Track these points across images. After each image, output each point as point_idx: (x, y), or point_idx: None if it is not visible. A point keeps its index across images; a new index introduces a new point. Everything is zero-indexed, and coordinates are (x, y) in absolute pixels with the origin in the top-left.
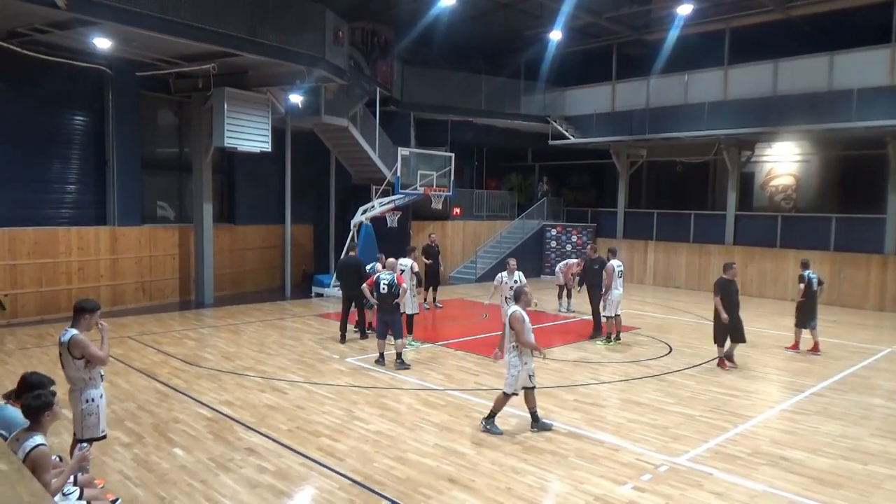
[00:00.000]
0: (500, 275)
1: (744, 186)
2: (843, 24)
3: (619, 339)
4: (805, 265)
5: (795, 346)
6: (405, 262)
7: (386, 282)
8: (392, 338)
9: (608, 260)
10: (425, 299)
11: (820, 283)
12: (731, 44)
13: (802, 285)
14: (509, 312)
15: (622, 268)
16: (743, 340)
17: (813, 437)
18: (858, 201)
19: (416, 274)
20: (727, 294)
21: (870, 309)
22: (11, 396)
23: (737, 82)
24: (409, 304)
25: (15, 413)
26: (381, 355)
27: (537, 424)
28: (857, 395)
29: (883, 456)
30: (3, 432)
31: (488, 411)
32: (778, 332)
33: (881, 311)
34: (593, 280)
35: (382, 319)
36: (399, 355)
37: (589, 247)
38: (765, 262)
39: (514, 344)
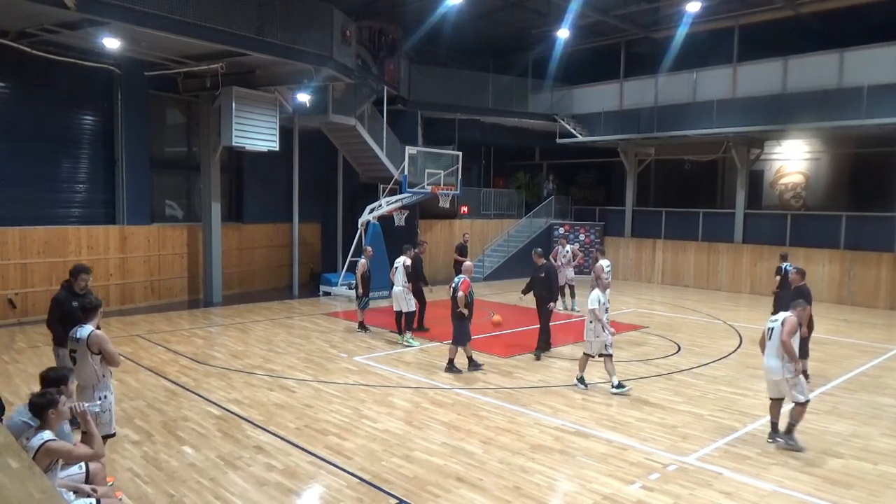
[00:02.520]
0: (594, 294)
1: (753, 184)
2: (854, 21)
3: None
4: (784, 258)
5: None
6: (400, 260)
7: (453, 285)
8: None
9: (596, 260)
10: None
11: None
12: (739, 41)
13: (779, 277)
14: (781, 318)
15: (610, 268)
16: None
17: (823, 436)
18: (869, 199)
19: (409, 270)
20: None
21: (880, 307)
22: None
23: (746, 80)
24: (404, 301)
25: None
26: (469, 358)
27: (785, 437)
28: (868, 394)
29: (894, 456)
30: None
31: (786, 427)
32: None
33: (892, 309)
34: (540, 290)
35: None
36: (451, 360)
37: (534, 252)
38: (774, 260)
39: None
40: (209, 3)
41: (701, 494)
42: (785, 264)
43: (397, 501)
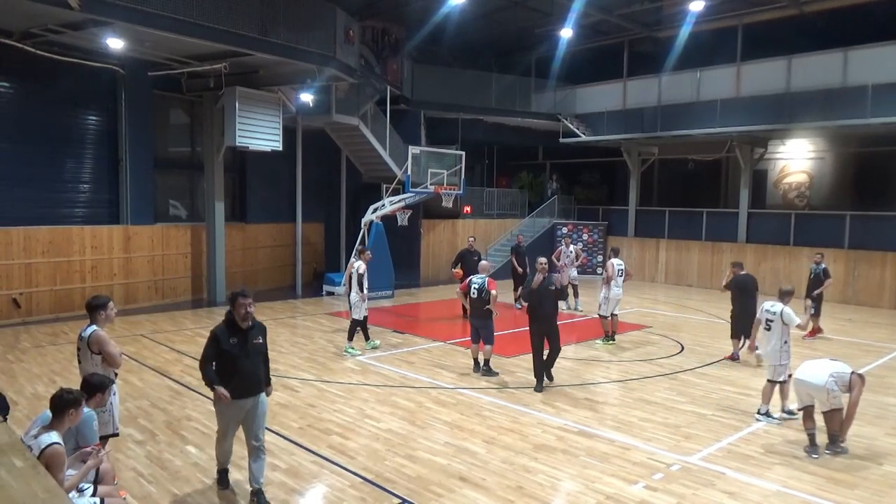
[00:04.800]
0: (788, 310)
1: (756, 184)
2: (858, 20)
3: (614, 340)
4: (818, 259)
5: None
6: (355, 265)
7: (476, 286)
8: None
9: (609, 258)
10: (515, 300)
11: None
12: (743, 40)
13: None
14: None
15: (622, 266)
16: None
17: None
18: (873, 198)
19: (361, 276)
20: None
21: (885, 307)
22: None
23: (749, 79)
24: (355, 308)
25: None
26: (476, 361)
27: (831, 447)
28: (872, 394)
29: None
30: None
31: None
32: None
33: None
34: (544, 307)
35: (473, 325)
36: (487, 362)
37: (538, 262)
38: (778, 260)
39: None
40: (212, 4)
41: (704, 494)
42: (819, 265)
43: (400, 501)
